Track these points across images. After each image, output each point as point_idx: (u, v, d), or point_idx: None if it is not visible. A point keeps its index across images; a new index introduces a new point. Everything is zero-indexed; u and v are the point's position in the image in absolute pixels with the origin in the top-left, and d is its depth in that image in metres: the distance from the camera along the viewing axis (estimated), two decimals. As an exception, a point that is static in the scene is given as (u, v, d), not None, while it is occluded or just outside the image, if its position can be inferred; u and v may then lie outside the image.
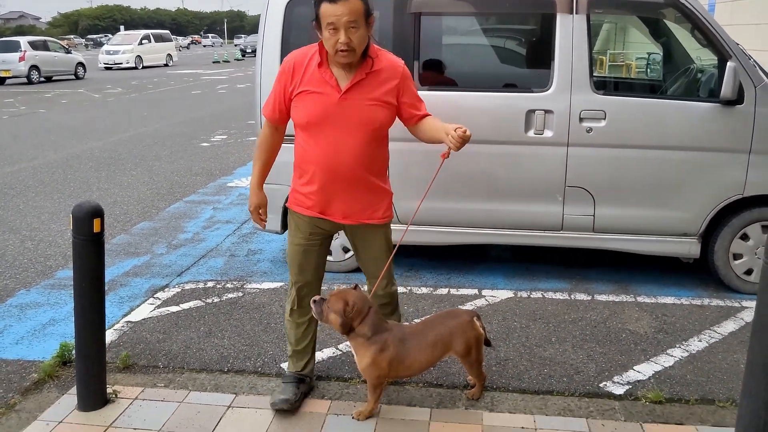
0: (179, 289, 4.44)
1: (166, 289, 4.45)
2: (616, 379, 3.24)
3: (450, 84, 4.52)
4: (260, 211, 2.96)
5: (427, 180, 4.13)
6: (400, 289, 4.33)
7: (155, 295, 4.34)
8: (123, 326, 3.87)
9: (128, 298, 4.30)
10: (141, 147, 10.08)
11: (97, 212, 2.80)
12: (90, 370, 2.92)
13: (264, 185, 2.97)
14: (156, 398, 3.04)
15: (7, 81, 23.46)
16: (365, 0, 2.56)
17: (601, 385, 3.19)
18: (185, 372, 3.31)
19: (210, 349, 3.56)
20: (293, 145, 2.85)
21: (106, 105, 16.37)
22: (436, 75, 4.49)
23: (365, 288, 3.02)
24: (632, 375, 3.27)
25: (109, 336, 3.70)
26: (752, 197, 4.10)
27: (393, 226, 4.55)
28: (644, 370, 3.32)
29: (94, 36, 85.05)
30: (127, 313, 4.06)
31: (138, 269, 4.84)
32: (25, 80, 23.27)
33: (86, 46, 69.31)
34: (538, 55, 4.38)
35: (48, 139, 10.98)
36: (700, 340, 3.64)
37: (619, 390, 3.13)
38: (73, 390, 3.04)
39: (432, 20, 4.40)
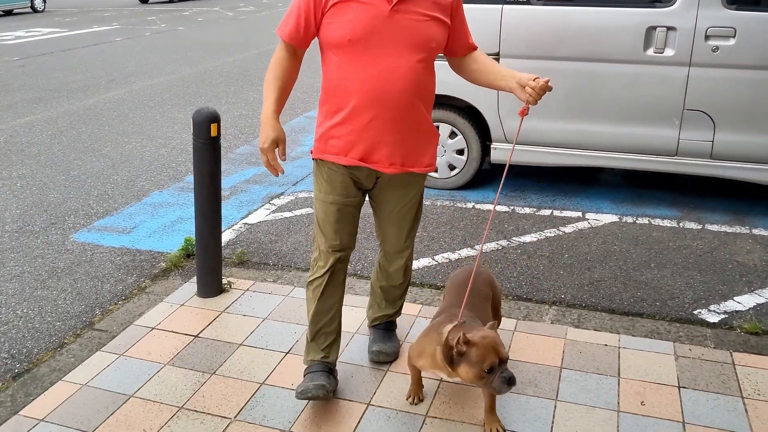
0: (293, 197, 4.74)
1: (281, 197, 4.76)
2: (712, 307, 3.17)
3: (567, -1, 4.35)
4: (278, 148, 2.28)
5: (555, 100, 4.12)
6: (502, 209, 4.40)
7: (271, 201, 4.67)
8: (241, 227, 4.22)
9: (247, 203, 4.65)
10: (268, 64, 10.48)
11: (214, 118, 3.05)
12: (208, 261, 3.26)
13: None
14: (264, 291, 3.35)
15: (150, 0, 24.78)
16: None
17: (695, 312, 3.14)
18: (292, 270, 3.61)
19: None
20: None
21: (238, 23, 16.99)
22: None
23: (382, 260, 2.61)
24: (731, 305, 3.19)
25: (229, 235, 4.07)
26: None
27: (501, 145, 4.59)
28: (745, 302, 3.22)
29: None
30: (245, 216, 4.41)
31: (257, 177, 5.19)
32: (167, -1, 24.49)
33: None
34: (665, -34, 4.09)
35: (184, 55, 11.65)
36: (815, 277, 3.45)
37: (713, 318, 3.08)
38: (194, 279, 3.41)
39: (550, -70, 4.21)
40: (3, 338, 3.02)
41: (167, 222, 4.35)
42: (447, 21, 2.26)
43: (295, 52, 2.29)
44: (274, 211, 4.49)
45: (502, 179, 2.03)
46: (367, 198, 2.48)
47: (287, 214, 4.43)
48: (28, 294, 3.42)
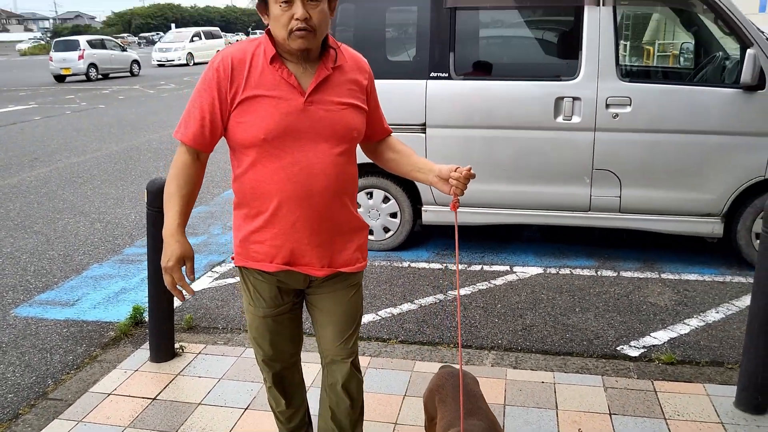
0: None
1: (222, 264, 4.88)
2: (632, 343, 3.51)
3: (484, 73, 4.81)
4: (185, 266, 2.07)
5: (477, 165, 4.46)
6: (436, 266, 4.68)
7: (213, 269, 4.78)
8: (186, 295, 4.30)
9: (189, 272, 4.73)
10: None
11: (168, 188, 3.21)
12: (161, 326, 3.35)
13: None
14: (216, 353, 3.45)
15: (67, 79, 24.56)
16: None
17: (618, 348, 3.47)
18: (241, 333, 3.72)
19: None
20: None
21: (161, 100, 17.10)
22: (470, 65, 4.79)
23: (325, 380, 2.29)
24: (648, 340, 3.54)
25: (175, 302, 4.13)
26: (774, 179, 4.29)
27: (431, 208, 4.92)
28: (660, 337, 3.58)
29: (147, 34, 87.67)
30: (189, 284, 4.48)
31: (197, 247, 5.29)
32: (83, 78, 24.34)
33: (139, 44, 71.30)
34: (567, 45, 4.62)
35: (109, 132, 11.65)
36: (717, 312, 3.87)
37: (634, 353, 3.41)
38: (146, 345, 3.48)
39: (467, 14, 4.68)
40: (-49, 414, 2.98)
41: (110, 293, 4.38)
42: (364, 106, 2.09)
43: (199, 156, 2.02)
44: (217, 278, 4.60)
45: (456, 242, 2.13)
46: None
47: (230, 281, 4.55)
48: (-27, 370, 3.38)
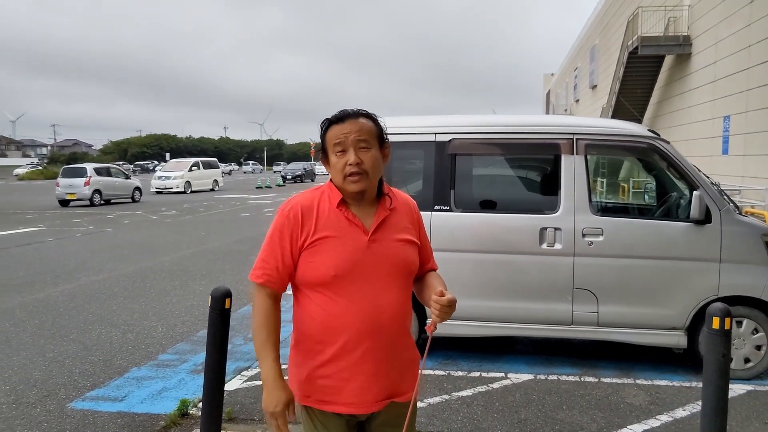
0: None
1: (249, 369, 5.48)
2: (612, 433, 4.14)
3: (479, 207, 5.70)
4: (288, 409, 2.15)
5: (474, 283, 5.23)
6: (440, 373, 5.31)
7: (242, 373, 5.38)
8: (221, 393, 4.88)
9: (220, 375, 5.33)
10: (205, 261, 11.38)
11: (228, 294, 3.93)
12: (213, 412, 3.94)
13: None
14: (257, 438, 4.02)
15: (71, 203, 25.62)
16: (378, 122, 2.21)
17: (598, 437, 4.09)
18: (276, 423, 4.29)
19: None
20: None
21: (164, 225, 17.98)
22: (468, 200, 5.69)
23: None
24: (625, 431, 4.16)
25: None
26: (725, 297, 5.08)
27: (443, 323, 5.58)
28: (635, 428, 4.21)
29: (142, 162, 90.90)
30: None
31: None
32: (87, 203, 25.40)
33: (134, 171, 73.83)
34: (549, 185, 5.57)
35: (121, 253, 12.38)
36: (684, 410, 4.52)
37: (614, 440, 4.03)
38: (195, 431, 4.04)
39: (465, 159, 5.66)
40: (36, 484, 3.49)
41: (154, 391, 4.95)
42: (417, 241, 2.30)
43: (276, 297, 2.21)
44: (246, 380, 5.19)
45: (425, 353, 2.22)
46: None
47: (258, 382, 5.14)
48: (45, 451, 3.91)
